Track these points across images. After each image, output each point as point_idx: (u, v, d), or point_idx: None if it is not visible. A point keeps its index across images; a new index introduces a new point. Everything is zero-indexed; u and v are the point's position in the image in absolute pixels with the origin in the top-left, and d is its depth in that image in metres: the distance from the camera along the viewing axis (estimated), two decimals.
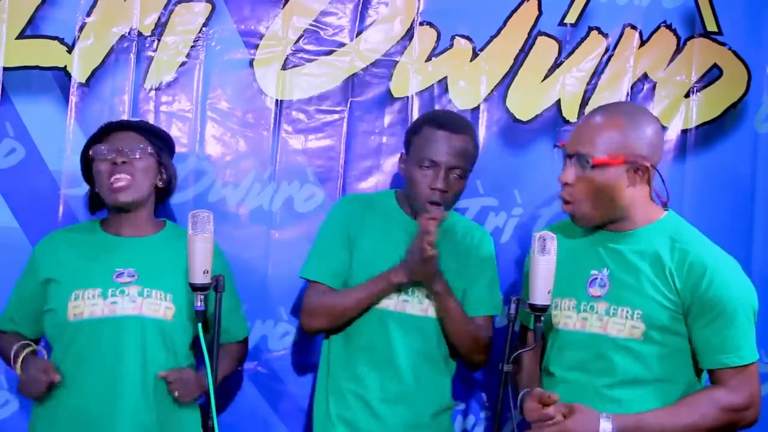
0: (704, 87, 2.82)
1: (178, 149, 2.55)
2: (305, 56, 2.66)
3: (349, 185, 2.69)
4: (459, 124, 2.34)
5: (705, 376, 2.08)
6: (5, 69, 2.50)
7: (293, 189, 2.66)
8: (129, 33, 2.57)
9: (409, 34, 2.70)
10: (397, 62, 2.69)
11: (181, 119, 2.60)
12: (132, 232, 2.23)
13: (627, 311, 2.00)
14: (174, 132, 2.58)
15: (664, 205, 2.10)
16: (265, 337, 2.64)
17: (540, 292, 1.95)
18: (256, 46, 2.63)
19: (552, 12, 2.74)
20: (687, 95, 2.82)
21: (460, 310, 2.33)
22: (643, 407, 1.98)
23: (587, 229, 2.13)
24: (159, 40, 2.59)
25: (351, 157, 2.69)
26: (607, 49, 2.78)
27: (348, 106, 2.68)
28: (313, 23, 2.66)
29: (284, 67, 2.65)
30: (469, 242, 2.42)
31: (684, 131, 2.81)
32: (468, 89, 2.73)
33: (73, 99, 2.54)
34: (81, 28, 2.54)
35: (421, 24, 2.70)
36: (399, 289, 2.29)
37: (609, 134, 1.99)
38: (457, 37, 2.72)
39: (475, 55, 2.72)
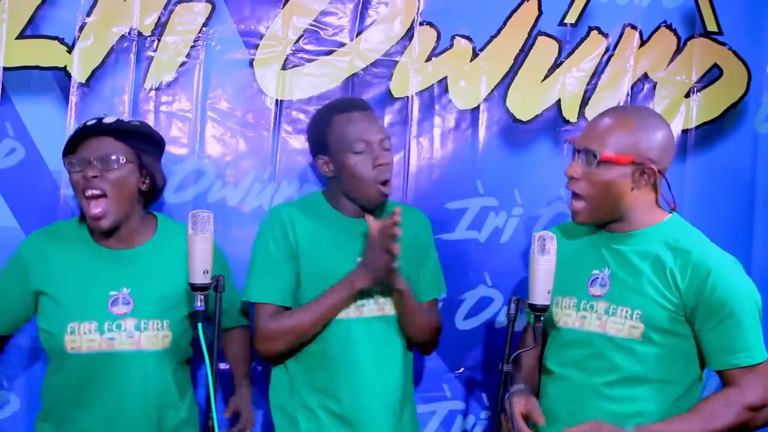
0: (704, 87, 2.82)
1: (178, 149, 2.56)
2: (305, 56, 2.66)
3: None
4: (363, 103, 2.32)
5: (705, 377, 2.09)
6: (5, 69, 2.50)
7: (293, 189, 2.66)
8: (129, 33, 2.57)
9: (409, 34, 2.70)
10: (397, 62, 2.69)
11: (181, 119, 2.60)
12: (121, 245, 2.16)
13: (626, 311, 2.01)
14: (174, 132, 2.58)
15: (673, 211, 2.10)
16: None
17: (540, 292, 1.95)
18: (256, 46, 2.63)
19: (552, 12, 2.74)
20: (687, 95, 2.82)
21: (417, 304, 2.28)
22: (641, 407, 1.99)
23: (589, 229, 2.13)
24: (159, 40, 2.58)
25: None
26: (607, 49, 2.78)
27: None
28: (313, 23, 2.66)
29: (284, 67, 2.65)
30: (411, 225, 2.31)
31: (684, 131, 2.81)
32: (468, 89, 2.73)
33: (73, 99, 2.54)
34: (81, 28, 2.54)
35: (421, 24, 2.70)
36: (361, 294, 2.20)
37: (619, 134, 2.00)
38: (457, 37, 2.72)
39: (475, 55, 2.72)
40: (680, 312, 1.98)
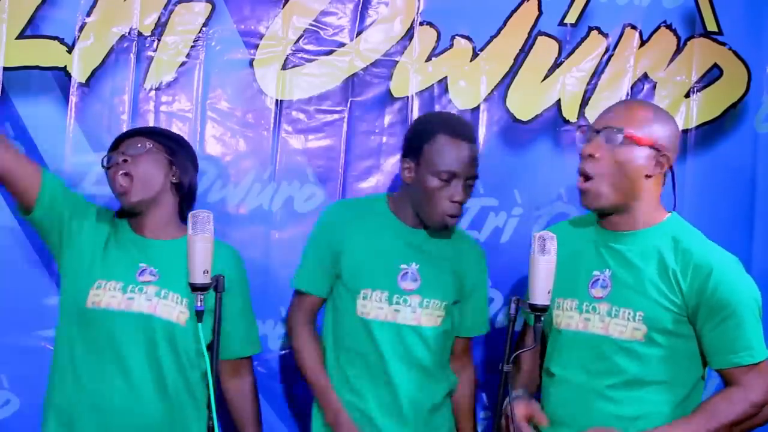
0: (704, 87, 2.82)
1: None
2: (305, 56, 2.66)
3: (349, 185, 2.69)
4: (469, 131, 2.31)
5: (706, 377, 2.08)
6: (5, 69, 2.50)
7: (293, 189, 2.66)
8: (129, 33, 2.57)
9: (409, 34, 2.70)
10: (397, 62, 2.69)
11: (181, 119, 2.60)
12: (154, 234, 2.22)
13: (629, 313, 2.00)
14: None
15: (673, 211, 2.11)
16: (265, 337, 2.64)
17: (540, 292, 1.94)
18: (256, 46, 2.63)
19: (552, 12, 2.74)
20: (687, 95, 2.82)
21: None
22: (645, 409, 1.99)
23: (588, 227, 2.13)
24: (159, 40, 2.59)
25: (351, 157, 2.69)
26: (607, 49, 2.78)
27: (348, 106, 2.68)
28: (313, 23, 2.66)
29: (284, 67, 2.65)
30: (467, 255, 2.39)
31: (684, 131, 2.81)
32: (468, 89, 2.73)
33: (73, 99, 2.54)
34: (81, 28, 2.54)
35: (421, 24, 2.70)
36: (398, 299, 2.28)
37: (642, 116, 2.02)
38: (457, 37, 2.72)
39: (475, 55, 2.72)
40: (683, 312, 1.98)
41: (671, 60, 2.80)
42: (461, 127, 2.29)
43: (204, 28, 2.60)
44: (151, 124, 2.55)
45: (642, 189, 2.02)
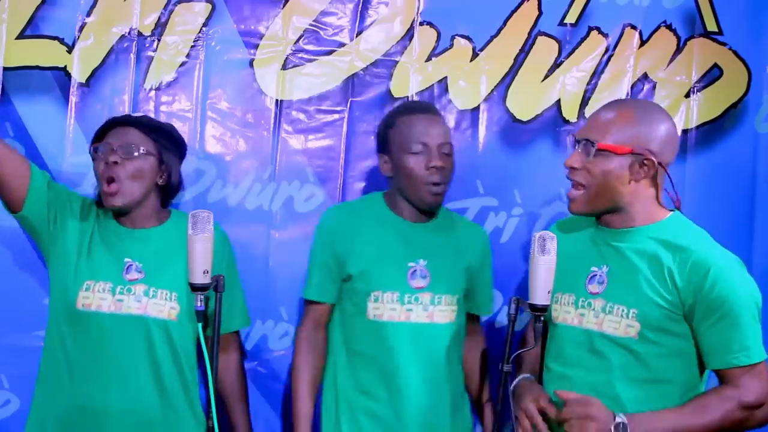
0: (704, 87, 2.82)
1: None
2: (305, 56, 2.66)
3: (349, 185, 2.69)
4: (430, 106, 2.38)
5: (706, 377, 2.08)
6: (5, 69, 2.50)
7: (293, 189, 2.66)
8: (129, 33, 2.57)
9: (409, 34, 2.70)
10: (397, 62, 2.69)
11: (181, 119, 2.60)
12: (136, 225, 2.23)
13: (623, 310, 2.00)
14: None
15: (675, 209, 2.10)
16: (265, 337, 2.64)
17: (540, 292, 1.95)
18: (256, 46, 2.63)
19: (552, 12, 2.74)
20: (687, 95, 2.82)
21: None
22: (639, 406, 1.98)
23: (589, 225, 2.13)
24: (159, 40, 2.59)
25: (351, 157, 2.69)
26: (607, 49, 2.78)
27: (348, 106, 2.68)
28: (313, 23, 2.66)
29: (284, 67, 2.65)
30: (470, 240, 2.41)
31: (684, 131, 2.81)
32: (468, 89, 2.73)
33: (73, 99, 2.54)
34: (81, 28, 2.54)
35: (421, 24, 2.70)
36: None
37: (619, 124, 2.00)
38: (457, 37, 2.72)
39: (475, 55, 2.72)
40: (677, 311, 1.97)
41: (671, 60, 2.80)
42: (419, 104, 2.37)
43: (204, 28, 2.61)
44: None
45: (628, 194, 2.02)
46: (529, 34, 2.74)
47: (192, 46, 2.60)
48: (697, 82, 2.81)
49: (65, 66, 2.54)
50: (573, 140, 2.11)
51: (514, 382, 2.09)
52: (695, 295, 1.94)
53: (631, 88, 2.79)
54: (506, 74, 2.74)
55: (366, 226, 2.31)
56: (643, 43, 2.79)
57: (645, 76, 2.80)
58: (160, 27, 2.58)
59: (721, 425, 1.94)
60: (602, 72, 2.78)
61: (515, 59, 2.74)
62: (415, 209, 2.31)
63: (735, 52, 2.81)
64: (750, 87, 2.82)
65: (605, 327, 2.02)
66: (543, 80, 2.76)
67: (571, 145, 2.12)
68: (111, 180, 2.15)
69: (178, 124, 2.58)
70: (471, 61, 2.72)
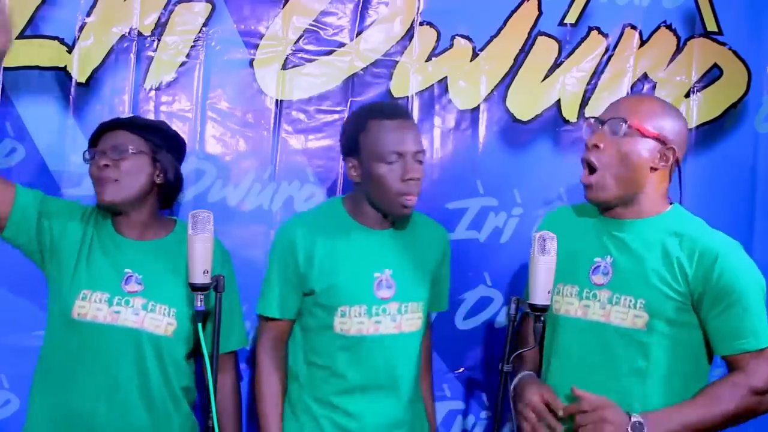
0: (704, 87, 2.82)
1: None
2: (305, 56, 2.66)
3: (349, 185, 2.68)
4: (399, 108, 2.28)
5: (709, 368, 2.08)
6: (5, 69, 2.50)
7: (293, 189, 2.66)
8: (129, 33, 2.57)
9: (409, 34, 2.70)
10: (397, 62, 2.69)
11: (181, 119, 2.60)
12: (136, 235, 2.20)
13: (630, 300, 2.00)
14: None
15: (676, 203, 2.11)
16: None
17: (540, 292, 1.95)
18: (256, 46, 2.63)
19: (552, 12, 2.74)
20: (687, 95, 2.82)
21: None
22: (645, 399, 1.98)
23: (591, 215, 2.13)
24: (159, 40, 2.59)
25: None
26: (607, 49, 2.78)
27: (348, 106, 2.68)
28: (313, 23, 2.66)
29: (284, 67, 2.65)
30: (432, 240, 2.36)
31: None
32: (468, 89, 2.73)
33: (73, 99, 2.54)
34: (81, 28, 2.54)
35: (421, 24, 2.70)
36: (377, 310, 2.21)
37: (649, 109, 2.02)
38: (457, 37, 2.72)
39: (475, 55, 2.72)
40: (686, 301, 1.97)
41: (671, 60, 2.80)
42: (390, 107, 2.27)
43: (204, 28, 2.61)
44: None
45: (646, 181, 2.02)
46: (529, 34, 2.74)
47: (192, 46, 2.60)
48: (697, 82, 2.81)
49: (65, 66, 2.54)
50: (593, 123, 2.07)
51: (515, 381, 2.09)
52: (704, 284, 1.95)
53: (631, 88, 2.79)
54: (506, 74, 2.74)
55: (327, 238, 2.21)
56: (643, 43, 2.79)
57: (645, 76, 2.80)
58: (160, 27, 2.58)
59: (736, 413, 1.95)
60: (602, 72, 2.78)
61: (515, 59, 2.74)
62: (380, 215, 2.23)
63: (735, 52, 2.81)
64: (750, 87, 2.82)
65: (612, 318, 2.01)
66: (543, 80, 2.76)
67: (588, 129, 2.08)
68: (106, 182, 2.13)
69: (178, 124, 2.59)
70: (471, 61, 2.72)
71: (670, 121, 2.02)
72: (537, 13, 2.74)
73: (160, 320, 2.14)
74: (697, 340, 2.01)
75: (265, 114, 2.65)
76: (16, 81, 2.51)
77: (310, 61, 2.66)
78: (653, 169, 2.01)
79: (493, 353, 2.74)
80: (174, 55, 2.60)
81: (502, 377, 1.99)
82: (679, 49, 2.80)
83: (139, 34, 2.57)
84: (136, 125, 2.22)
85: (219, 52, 2.62)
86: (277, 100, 2.65)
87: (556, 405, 2.01)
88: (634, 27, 2.78)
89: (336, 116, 2.68)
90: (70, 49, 2.54)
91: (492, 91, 2.74)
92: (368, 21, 2.69)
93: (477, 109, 2.73)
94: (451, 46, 2.72)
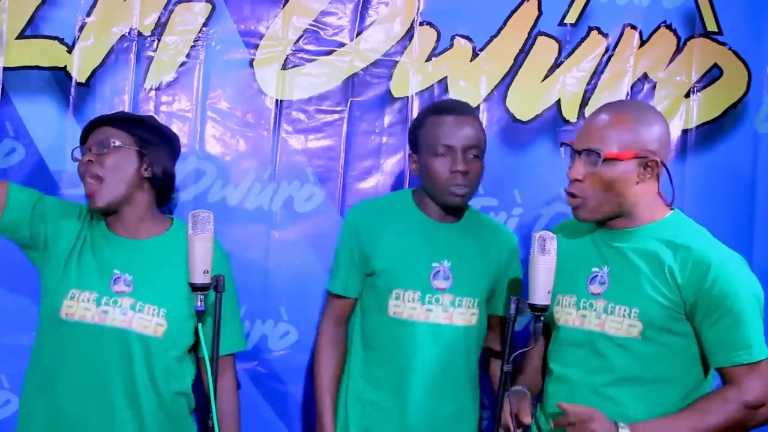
0: (704, 87, 2.82)
1: None
2: (305, 56, 2.66)
3: (349, 185, 2.69)
4: (461, 106, 2.33)
5: (711, 379, 2.08)
6: (5, 69, 2.50)
7: (293, 189, 2.66)
8: (129, 33, 2.57)
9: (409, 34, 2.70)
10: (397, 62, 2.69)
11: (181, 119, 2.60)
12: (129, 233, 2.18)
13: (624, 310, 2.00)
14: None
15: (669, 206, 2.10)
16: (265, 337, 2.64)
17: (540, 292, 1.95)
18: (256, 46, 2.63)
19: (552, 12, 2.74)
20: (687, 95, 2.82)
21: None
22: (641, 407, 1.98)
23: (589, 226, 2.13)
24: (159, 40, 2.59)
25: (351, 157, 2.69)
26: (607, 49, 2.78)
27: (348, 106, 2.68)
28: (313, 23, 2.66)
29: (284, 67, 2.65)
30: (494, 241, 2.39)
31: (684, 131, 2.81)
32: (468, 89, 2.73)
33: (73, 99, 2.54)
34: (81, 28, 2.54)
35: (421, 24, 2.70)
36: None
37: (619, 130, 2.00)
38: (457, 37, 2.72)
39: (475, 55, 2.72)
40: (679, 309, 1.97)
41: (671, 60, 2.80)
42: (451, 104, 2.34)
43: (204, 28, 2.60)
44: None
45: (635, 195, 2.02)
46: (529, 34, 2.74)
47: (192, 46, 2.60)
48: (697, 82, 2.81)
49: (65, 66, 2.54)
50: (569, 150, 2.09)
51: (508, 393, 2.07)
52: (696, 294, 1.94)
53: (631, 88, 2.79)
54: (506, 74, 2.74)
55: (392, 223, 2.31)
56: (643, 43, 2.79)
57: (645, 76, 2.80)
58: (160, 27, 2.58)
59: (726, 427, 1.94)
60: (602, 72, 2.78)
61: (515, 59, 2.74)
62: (440, 209, 2.31)
63: (735, 52, 2.81)
64: (750, 87, 2.82)
65: (607, 328, 2.02)
66: (543, 80, 2.76)
67: (567, 154, 2.10)
68: (89, 178, 2.10)
69: (178, 124, 2.59)
70: (471, 61, 2.72)
71: (646, 130, 2.00)
72: (537, 13, 2.74)
73: (149, 320, 2.12)
74: (693, 348, 2.00)
75: (265, 114, 2.65)
76: (16, 81, 2.51)
77: (310, 61, 2.66)
78: (640, 182, 2.01)
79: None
80: (174, 55, 2.60)
81: (502, 377, 1.99)
82: (679, 49, 2.80)
83: (139, 34, 2.57)
84: (120, 120, 2.19)
85: (219, 52, 2.62)
86: (277, 100, 2.65)
87: (522, 415, 2.05)
88: (634, 27, 2.78)
89: (336, 116, 2.68)
90: (70, 49, 2.54)
91: (492, 91, 2.74)
92: (368, 21, 2.69)
93: (477, 109, 2.73)
94: (451, 46, 2.72)
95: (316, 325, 2.49)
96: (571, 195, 2.06)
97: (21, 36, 2.51)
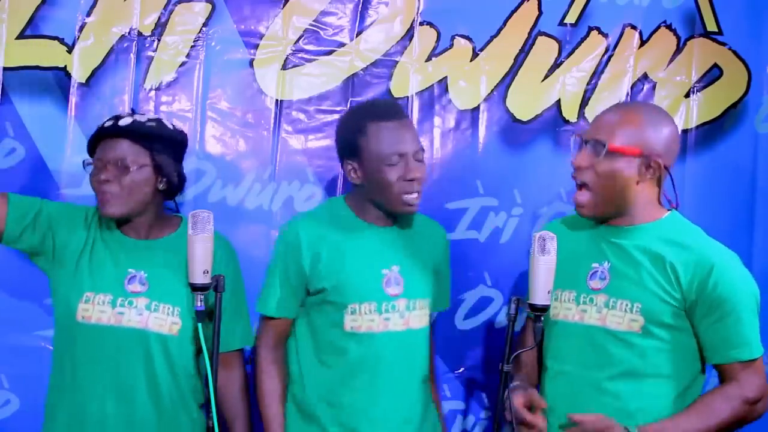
0: (704, 87, 2.82)
1: None
2: (305, 56, 2.66)
3: (348, 185, 2.68)
4: (395, 107, 2.28)
5: (707, 371, 2.09)
6: (5, 69, 2.50)
7: (293, 189, 2.66)
8: (129, 33, 2.57)
9: (409, 34, 2.70)
10: (397, 62, 2.69)
11: (181, 119, 2.60)
12: (141, 235, 2.19)
13: (626, 304, 2.02)
14: None
15: (672, 209, 2.11)
16: None
17: (540, 292, 1.95)
18: (256, 46, 2.63)
19: (552, 12, 2.74)
20: (687, 95, 2.82)
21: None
22: (643, 402, 2.00)
23: (589, 223, 2.14)
24: (159, 40, 2.59)
25: None
26: (607, 49, 2.78)
27: (348, 106, 2.68)
28: (313, 23, 2.66)
29: (284, 67, 2.65)
30: (433, 239, 2.37)
31: (684, 131, 2.81)
32: (468, 89, 2.73)
33: (73, 99, 2.54)
34: (81, 28, 2.54)
35: (421, 24, 2.70)
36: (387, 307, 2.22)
37: (628, 126, 2.02)
38: (457, 37, 2.72)
39: (475, 55, 2.72)
40: (681, 306, 2.00)
41: (671, 60, 2.80)
42: (386, 107, 2.26)
43: (204, 28, 2.60)
44: None
45: (634, 194, 2.04)
46: (529, 34, 2.74)
47: (192, 46, 2.60)
48: (697, 82, 2.81)
49: (65, 66, 2.54)
50: (579, 140, 2.11)
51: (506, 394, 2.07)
52: (698, 293, 1.97)
53: (631, 88, 2.79)
54: (506, 74, 2.74)
55: (333, 235, 2.21)
56: (643, 43, 2.79)
57: (645, 76, 2.80)
58: (160, 27, 2.58)
59: (730, 424, 1.99)
60: (602, 72, 2.78)
61: (515, 59, 2.74)
62: (383, 213, 2.24)
63: (735, 52, 2.81)
64: (750, 87, 2.82)
65: (608, 322, 2.03)
66: (543, 80, 2.76)
67: (575, 144, 2.12)
68: (104, 193, 2.09)
69: (178, 125, 2.58)
70: (471, 61, 2.72)
71: (653, 132, 2.02)
72: (537, 13, 2.74)
73: (164, 320, 2.14)
74: (691, 344, 2.03)
75: (265, 114, 2.65)
76: (16, 81, 2.51)
77: (310, 61, 2.66)
78: (640, 182, 2.03)
79: (493, 353, 2.74)
80: (174, 55, 2.60)
81: (502, 377, 1.99)
82: (679, 49, 2.80)
83: (139, 34, 2.57)
84: (136, 132, 2.13)
85: (219, 52, 2.62)
86: (277, 100, 2.65)
87: (537, 402, 2.05)
88: (634, 27, 2.78)
89: (336, 116, 2.67)
90: (70, 49, 2.54)
91: (492, 91, 2.74)
92: (368, 21, 2.69)
93: (477, 109, 2.73)
94: (451, 46, 2.72)
95: None
96: (580, 187, 2.07)
97: (21, 36, 2.51)
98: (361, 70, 2.68)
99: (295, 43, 2.65)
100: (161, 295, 2.14)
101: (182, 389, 2.19)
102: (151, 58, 2.59)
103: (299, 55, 2.66)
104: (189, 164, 2.57)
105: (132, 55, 2.57)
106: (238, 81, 2.63)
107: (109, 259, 2.16)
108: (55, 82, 2.54)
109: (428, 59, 2.71)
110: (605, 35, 2.78)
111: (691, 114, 2.82)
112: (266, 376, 2.25)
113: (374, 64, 2.69)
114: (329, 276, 2.19)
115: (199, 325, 1.94)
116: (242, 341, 2.31)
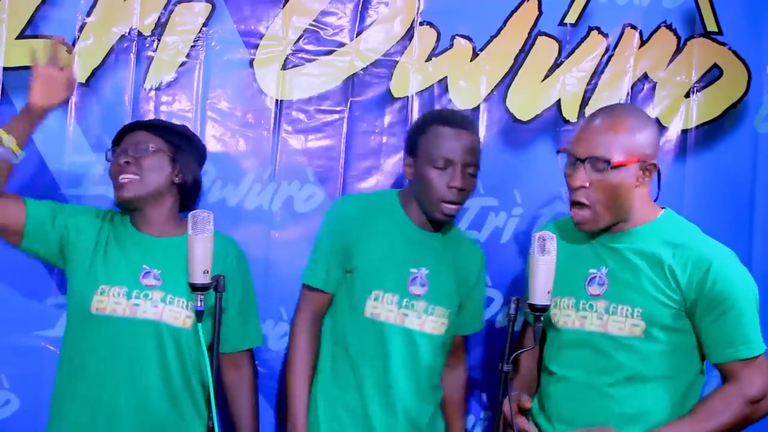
0: (704, 87, 2.82)
1: None
2: (305, 56, 2.66)
3: (349, 185, 2.69)
4: (466, 121, 2.33)
5: (706, 370, 2.09)
6: (5, 69, 2.50)
7: (293, 189, 2.66)
8: (129, 33, 2.57)
9: (409, 34, 2.70)
10: (397, 62, 2.69)
11: (181, 119, 2.60)
12: (155, 232, 2.24)
13: (627, 309, 2.01)
14: None
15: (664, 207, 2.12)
16: (266, 337, 2.62)
17: (540, 292, 1.95)
18: (256, 46, 2.63)
19: (552, 12, 2.74)
20: (687, 95, 2.82)
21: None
22: (645, 405, 2.00)
23: None
24: (159, 40, 2.59)
25: (351, 157, 2.69)
26: (607, 49, 2.78)
27: (348, 106, 2.68)
28: (313, 23, 2.66)
29: (284, 67, 2.65)
30: (469, 256, 2.41)
31: (684, 131, 2.81)
32: (468, 89, 2.73)
33: (73, 99, 2.53)
34: (81, 28, 2.54)
35: (421, 24, 2.70)
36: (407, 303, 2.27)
37: (621, 136, 2.01)
38: (457, 37, 2.72)
39: (475, 55, 2.72)
40: (681, 308, 1.99)
41: (671, 60, 2.80)
42: (455, 117, 2.31)
43: (204, 28, 2.60)
44: None
45: (632, 199, 2.04)
46: (529, 34, 2.74)
47: (192, 46, 2.60)
48: (697, 82, 2.81)
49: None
50: (570, 158, 2.09)
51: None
52: (697, 292, 1.97)
53: (631, 88, 2.79)
54: (506, 74, 2.74)
55: (377, 222, 2.29)
56: (643, 43, 2.79)
57: (645, 76, 2.80)
58: (160, 27, 2.58)
59: (733, 424, 1.98)
60: (602, 72, 2.78)
61: (515, 59, 2.74)
62: (425, 217, 2.30)
63: (735, 52, 2.81)
64: (750, 87, 2.82)
65: (610, 328, 2.03)
66: (543, 80, 2.76)
67: (566, 161, 2.10)
68: (124, 175, 2.17)
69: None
70: (471, 61, 2.72)
71: (642, 135, 2.03)
72: (537, 13, 2.74)
73: (179, 312, 2.17)
74: (691, 343, 2.03)
75: (265, 114, 2.65)
76: (16, 81, 2.51)
77: (310, 61, 2.66)
78: (638, 186, 2.04)
79: (493, 353, 2.74)
80: (174, 55, 2.60)
81: (502, 377, 1.99)
82: (679, 49, 2.80)
83: (139, 34, 2.57)
84: (156, 126, 2.29)
85: (219, 52, 2.62)
86: (277, 100, 2.65)
87: (523, 401, 2.09)
88: (634, 27, 2.78)
89: (336, 116, 2.68)
90: (70, 50, 2.53)
91: (492, 91, 2.74)
92: (368, 21, 2.69)
93: (477, 109, 2.73)
94: (451, 46, 2.72)
95: None
96: (579, 205, 2.06)
97: (21, 36, 2.51)
98: (361, 70, 2.68)
99: (295, 43, 2.65)
100: (176, 289, 2.17)
101: (191, 383, 2.21)
102: (151, 58, 2.59)
103: (299, 55, 2.66)
104: None
105: (132, 55, 2.57)
106: (238, 81, 2.63)
107: (123, 255, 2.20)
108: None
109: (428, 59, 2.71)
110: (605, 35, 2.78)
111: (691, 114, 2.81)
112: (300, 357, 2.29)
113: (374, 64, 2.69)
114: (363, 257, 2.26)
115: (199, 325, 1.95)
116: (253, 341, 2.35)
